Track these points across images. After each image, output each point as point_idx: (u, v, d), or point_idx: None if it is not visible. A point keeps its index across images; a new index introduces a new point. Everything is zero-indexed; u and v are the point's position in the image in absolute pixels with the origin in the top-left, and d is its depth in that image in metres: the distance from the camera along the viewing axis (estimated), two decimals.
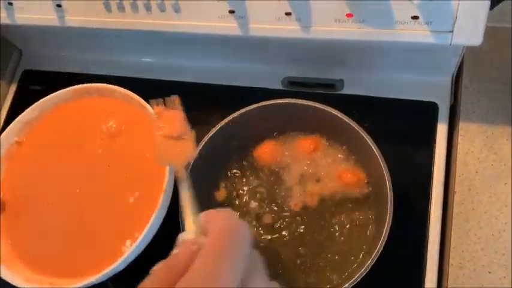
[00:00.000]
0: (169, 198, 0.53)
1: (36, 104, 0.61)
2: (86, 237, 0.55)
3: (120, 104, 0.59)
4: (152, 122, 0.50)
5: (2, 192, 0.59)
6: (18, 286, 0.52)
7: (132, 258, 0.51)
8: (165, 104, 0.46)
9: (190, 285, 0.30)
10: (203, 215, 0.35)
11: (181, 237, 0.35)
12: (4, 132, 0.60)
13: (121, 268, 0.51)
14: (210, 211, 0.35)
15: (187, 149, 0.43)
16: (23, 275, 0.53)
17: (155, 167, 0.53)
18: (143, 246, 0.52)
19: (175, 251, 0.34)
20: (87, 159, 0.58)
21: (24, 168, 0.60)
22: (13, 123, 0.60)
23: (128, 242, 0.52)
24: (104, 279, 0.51)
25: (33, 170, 0.60)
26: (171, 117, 0.44)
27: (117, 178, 0.56)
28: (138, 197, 0.54)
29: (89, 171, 0.57)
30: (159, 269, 0.33)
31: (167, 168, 0.52)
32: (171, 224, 0.52)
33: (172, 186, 0.53)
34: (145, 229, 0.50)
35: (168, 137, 0.43)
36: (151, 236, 0.52)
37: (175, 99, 0.46)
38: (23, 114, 0.61)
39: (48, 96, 0.61)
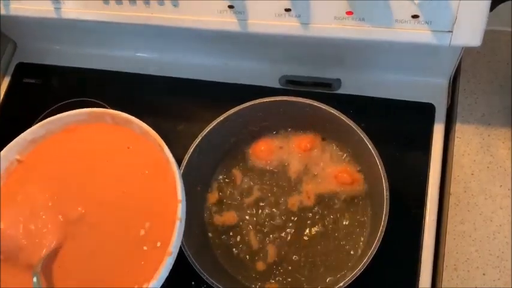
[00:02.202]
0: (173, 261, 0.46)
1: (44, 122, 0.54)
2: (88, 276, 0.48)
3: (136, 137, 0.52)
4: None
5: None
6: None
7: None
8: None
9: None
10: None
11: None
12: (4, 149, 0.53)
13: None
14: None
15: (36, 243, 0.46)
16: None
17: (167, 204, 0.47)
18: None
19: None
20: (95, 186, 0.51)
21: (21, 189, 0.53)
22: (17, 139, 0.54)
23: None
24: None
25: (31, 192, 0.53)
26: None
27: (128, 208, 0.49)
28: (149, 229, 0.48)
29: (97, 200, 0.50)
30: None
31: (177, 223, 0.45)
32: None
33: (178, 247, 0.46)
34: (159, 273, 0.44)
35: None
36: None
37: None
38: (28, 131, 0.54)
39: (58, 115, 0.54)
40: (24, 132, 0.54)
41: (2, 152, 0.53)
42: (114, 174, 0.51)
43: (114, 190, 0.50)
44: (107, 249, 0.48)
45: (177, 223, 0.45)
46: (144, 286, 0.44)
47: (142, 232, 0.47)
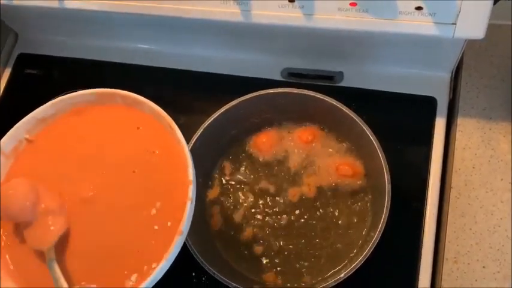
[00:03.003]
0: (184, 238, 0.46)
1: (53, 101, 0.53)
2: (99, 256, 0.47)
3: (146, 118, 0.51)
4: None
5: None
6: None
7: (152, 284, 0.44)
8: None
9: None
10: None
11: None
12: (13, 128, 0.52)
13: None
14: None
15: (45, 231, 0.44)
16: None
17: (179, 182, 0.47)
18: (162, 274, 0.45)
19: None
20: (105, 166, 0.51)
21: (31, 170, 0.52)
22: (25, 118, 0.53)
23: (133, 277, 0.45)
24: None
25: (41, 173, 0.52)
26: (9, 205, 0.42)
27: (138, 188, 0.49)
28: (160, 208, 0.47)
29: (107, 180, 0.50)
30: None
31: (188, 204, 0.45)
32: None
33: (189, 226, 0.46)
34: (153, 273, 0.43)
35: (25, 225, 0.43)
36: (158, 277, 0.45)
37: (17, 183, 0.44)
38: (36, 110, 0.53)
39: (68, 95, 0.53)
40: (34, 111, 0.53)
41: (10, 130, 0.52)
42: (124, 154, 0.51)
43: (125, 170, 0.49)
44: (118, 229, 0.47)
45: (188, 204, 0.45)
46: (154, 266, 0.44)
47: (153, 211, 0.47)
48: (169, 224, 0.46)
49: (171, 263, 0.44)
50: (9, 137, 0.52)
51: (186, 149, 0.47)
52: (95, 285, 0.45)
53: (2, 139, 0.51)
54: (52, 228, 0.45)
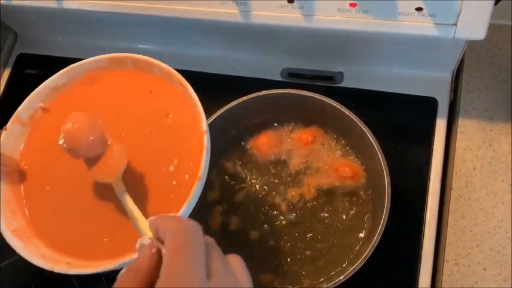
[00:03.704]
0: (202, 186, 0.48)
1: (65, 69, 0.54)
2: (113, 216, 0.48)
3: (160, 81, 0.52)
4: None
5: (22, 161, 0.52)
6: (32, 261, 0.46)
7: None
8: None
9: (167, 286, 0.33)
10: (149, 222, 0.39)
11: (139, 242, 0.38)
12: (28, 97, 0.53)
13: None
14: (157, 217, 0.38)
15: (114, 161, 0.45)
16: (38, 250, 0.48)
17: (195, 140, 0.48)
18: None
19: (136, 256, 0.37)
20: (123, 130, 0.51)
21: (48, 137, 0.53)
22: (39, 87, 0.53)
23: None
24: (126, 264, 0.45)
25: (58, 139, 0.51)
26: (80, 140, 0.43)
27: (156, 147, 0.50)
28: (178, 165, 0.48)
29: (126, 144, 0.50)
30: (123, 273, 0.36)
31: (204, 152, 0.47)
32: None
33: (206, 174, 0.48)
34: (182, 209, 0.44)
35: (90, 159, 0.44)
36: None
37: (81, 117, 0.44)
38: (50, 79, 0.54)
39: (79, 62, 0.54)
40: (47, 80, 0.54)
41: (25, 99, 0.53)
42: (140, 117, 0.52)
43: (141, 132, 0.51)
44: (138, 188, 0.48)
45: (204, 152, 0.46)
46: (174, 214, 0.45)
47: (171, 168, 0.48)
48: (187, 177, 0.47)
49: (192, 207, 0.46)
50: (25, 106, 0.53)
51: (198, 102, 0.49)
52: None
53: (19, 108, 0.52)
54: (118, 159, 0.45)
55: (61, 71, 0.54)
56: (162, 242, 0.36)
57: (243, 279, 0.38)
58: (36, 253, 0.47)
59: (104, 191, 0.49)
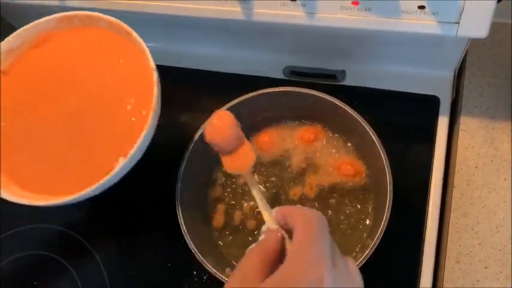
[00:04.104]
0: (157, 116, 0.54)
1: (18, 31, 0.59)
2: (80, 155, 0.55)
3: (107, 33, 0.58)
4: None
5: None
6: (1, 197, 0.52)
7: (123, 173, 0.52)
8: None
9: (296, 269, 0.36)
10: (276, 211, 0.43)
11: (265, 227, 0.42)
12: None
13: (111, 183, 0.51)
14: (283, 208, 0.42)
15: (247, 155, 0.47)
16: (10, 190, 0.53)
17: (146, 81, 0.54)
18: (134, 162, 0.52)
19: (263, 237, 0.41)
20: (81, 82, 0.58)
21: (13, 97, 0.59)
22: None
23: (121, 159, 0.52)
24: (95, 193, 0.51)
25: (23, 93, 0.59)
26: (222, 135, 0.47)
27: (112, 90, 0.57)
28: (134, 104, 0.55)
29: (84, 92, 0.57)
30: (253, 249, 0.40)
31: (155, 86, 0.53)
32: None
33: (160, 106, 0.54)
34: (137, 142, 0.50)
35: (227, 153, 0.47)
36: (141, 152, 0.53)
37: (225, 114, 0.48)
38: (3, 41, 0.59)
39: (31, 23, 0.59)
40: (1, 43, 0.59)
41: None
42: (93, 66, 0.58)
43: (97, 79, 0.57)
44: (102, 128, 0.55)
45: (155, 87, 0.53)
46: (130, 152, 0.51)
47: (129, 107, 0.55)
48: (144, 112, 0.54)
49: (150, 136, 0.53)
50: None
51: (143, 45, 0.54)
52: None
53: None
54: (249, 155, 0.48)
55: (15, 33, 0.59)
56: (286, 231, 0.40)
57: (358, 279, 0.40)
58: (7, 191, 0.53)
59: (75, 132, 0.56)
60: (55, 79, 0.59)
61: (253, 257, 0.39)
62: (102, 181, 0.50)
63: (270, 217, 0.43)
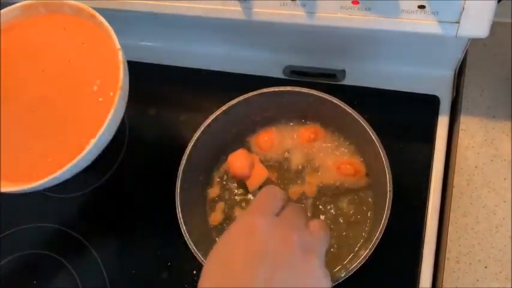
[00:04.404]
0: (126, 96, 0.56)
1: None
2: (51, 140, 0.56)
3: (71, 19, 0.60)
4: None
5: None
6: None
7: (94, 154, 0.54)
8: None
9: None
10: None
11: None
12: None
13: (83, 165, 0.53)
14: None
15: (258, 174, 0.58)
16: None
17: (112, 62, 0.56)
18: (104, 143, 0.54)
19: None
20: (46, 67, 0.60)
21: None
22: None
23: (92, 141, 0.53)
24: (66, 176, 0.53)
25: None
26: (242, 172, 0.58)
27: (78, 73, 0.58)
28: (101, 85, 0.57)
29: (50, 77, 0.59)
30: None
31: (121, 65, 0.54)
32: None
33: (127, 85, 0.56)
34: (105, 123, 0.52)
35: (246, 178, 0.59)
36: (111, 133, 0.54)
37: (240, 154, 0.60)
38: None
39: None
40: None
41: None
42: (57, 51, 0.60)
43: (61, 63, 0.59)
44: (69, 110, 0.57)
45: (121, 66, 0.54)
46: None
47: (95, 88, 0.56)
48: (111, 93, 0.55)
49: (119, 116, 0.55)
50: None
51: (108, 26, 0.56)
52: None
53: None
54: (261, 174, 0.59)
55: None
56: None
57: (316, 230, 0.46)
58: None
59: (43, 117, 0.57)
60: (20, 67, 0.60)
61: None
62: (71, 164, 0.51)
63: None
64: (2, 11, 0.60)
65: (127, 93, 0.56)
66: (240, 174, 0.58)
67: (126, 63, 0.56)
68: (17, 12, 0.60)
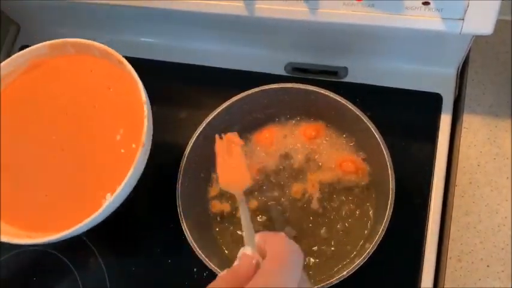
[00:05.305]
0: (147, 152, 0.54)
1: (8, 60, 0.59)
2: (68, 191, 0.54)
3: (99, 61, 0.58)
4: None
5: None
6: None
7: (110, 211, 0.52)
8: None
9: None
10: (258, 235, 0.42)
11: (241, 252, 0.41)
12: None
13: (98, 220, 0.51)
14: (266, 233, 0.42)
15: (244, 177, 0.52)
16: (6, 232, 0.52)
17: (136, 114, 0.54)
18: (121, 200, 0.52)
19: (237, 263, 0.40)
20: (70, 109, 0.58)
21: (3, 122, 0.59)
22: None
23: (108, 195, 0.51)
24: (80, 232, 0.51)
25: (9, 124, 0.59)
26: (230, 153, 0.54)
27: (101, 120, 0.57)
28: (124, 134, 0.55)
29: (73, 120, 0.57)
30: (224, 275, 0.39)
31: (145, 119, 0.52)
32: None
33: (150, 140, 0.54)
34: (124, 181, 0.50)
35: (227, 168, 0.53)
36: (129, 189, 0.52)
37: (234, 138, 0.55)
38: None
39: (23, 51, 0.59)
40: None
41: None
42: (83, 94, 0.58)
43: (86, 107, 0.57)
44: (89, 158, 0.55)
45: (145, 121, 0.52)
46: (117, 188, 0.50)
47: (118, 137, 0.54)
48: (133, 145, 0.53)
49: (139, 171, 0.52)
50: None
51: (136, 76, 0.54)
52: None
53: None
54: (245, 175, 0.53)
55: (5, 61, 0.59)
56: (264, 256, 0.39)
57: None
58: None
59: (63, 167, 0.55)
60: (45, 106, 0.58)
61: (223, 282, 0.38)
62: (86, 221, 0.49)
63: (249, 240, 0.43)
64: (30, 48, 0.59)
65: (149, 148, 0.53)
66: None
67: (151, 117, 0.53)
68: (45, 50, 0.59)
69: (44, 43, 0.59)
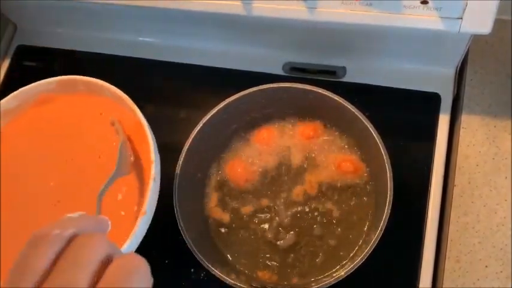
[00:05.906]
0: (149, 221, 0.48)
1: (15, 93, 0.55)
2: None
3: (110, 104, 0.53)
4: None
5: None
6: None
7: None
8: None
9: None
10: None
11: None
12: None
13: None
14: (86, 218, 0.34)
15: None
16: None
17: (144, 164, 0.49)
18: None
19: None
20: (73, 153, 0.53)
21: (4, 157, 0.54)
22: None
23: None
24: None
25: (11, 162, 0.54)
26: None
27: (104, 173, 0.50)
28: (126, 194, 0.49)
29: (74, 170, 0.52)
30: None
31: (151, 182, 0.46)
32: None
33: (154, 207, 0.48)
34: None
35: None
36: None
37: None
38: (1, 101, 0.55)
39: (30, 85, 0.55)
40: None
41: None
42: (89, 140, 0.52)
43: (90, 156, 0.51)
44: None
45: (151, 183, 0.45)
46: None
47: (119, 197, 0.48)
48: (135, 208, 0.47)
49: (136, 243, 0.45)
50: None
51: (147, 129, 0.48)
52: None
53: None
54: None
55: (12, 94, 0.55)
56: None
57: None
58: None
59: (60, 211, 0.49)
60: (49, 148, 0.54)
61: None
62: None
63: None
64: (38, 83, 0.54)
65: (151, 217, 0.47)
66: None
67: (158, 181, 0.47)
68: (52, 86, 0.54)
69: (53, 79, 0.54)
